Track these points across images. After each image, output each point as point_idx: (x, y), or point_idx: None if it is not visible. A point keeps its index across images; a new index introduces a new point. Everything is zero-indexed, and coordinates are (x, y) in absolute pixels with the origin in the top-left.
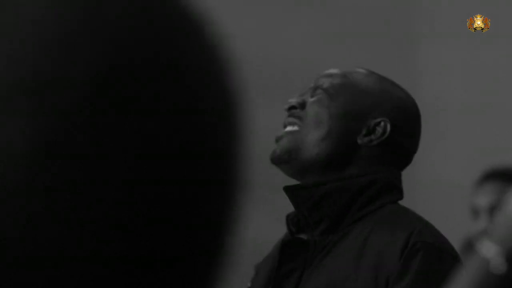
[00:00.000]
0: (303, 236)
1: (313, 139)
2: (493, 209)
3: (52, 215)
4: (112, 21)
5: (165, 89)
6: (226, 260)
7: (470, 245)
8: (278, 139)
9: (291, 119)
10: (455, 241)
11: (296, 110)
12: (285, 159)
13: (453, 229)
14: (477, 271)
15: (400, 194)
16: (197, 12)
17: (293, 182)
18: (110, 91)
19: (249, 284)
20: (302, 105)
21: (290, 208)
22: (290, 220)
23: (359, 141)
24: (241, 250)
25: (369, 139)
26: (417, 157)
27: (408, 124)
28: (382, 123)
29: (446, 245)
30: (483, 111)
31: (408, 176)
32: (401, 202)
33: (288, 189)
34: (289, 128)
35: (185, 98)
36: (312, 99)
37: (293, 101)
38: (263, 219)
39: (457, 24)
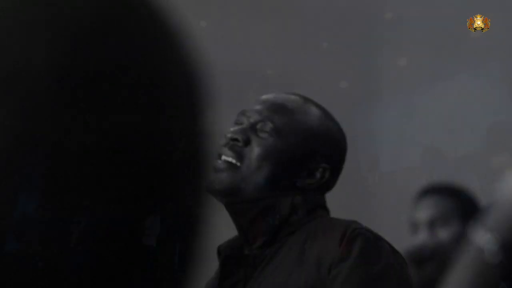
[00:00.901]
0: (243, 250)
1: (255, 183)
2: (432, 223)
3: None
4: (81, 21)
5: (130, 92)
6: (189, 269)
7: (409, 257)
8: (216, 170)
9: (230, 153)
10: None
11: (238, 143)
12: (223, 195)
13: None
14: (472, 261)
15: (328, 212)
16: (166, 15)
17: None
18: (73, 91)
19: None
20: (246, 143)
21: None
22: (223, 250)
23: (298, 184)
24: (202, 259)
25: (309, 183)
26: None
27: (342, 163)
28: (321, 169)
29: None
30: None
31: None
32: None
33: (228, 206)
34: (227, 159)
35: (148, 102)
36: (257, 140)
37: (238, 135)
38: (224, 228)
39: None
